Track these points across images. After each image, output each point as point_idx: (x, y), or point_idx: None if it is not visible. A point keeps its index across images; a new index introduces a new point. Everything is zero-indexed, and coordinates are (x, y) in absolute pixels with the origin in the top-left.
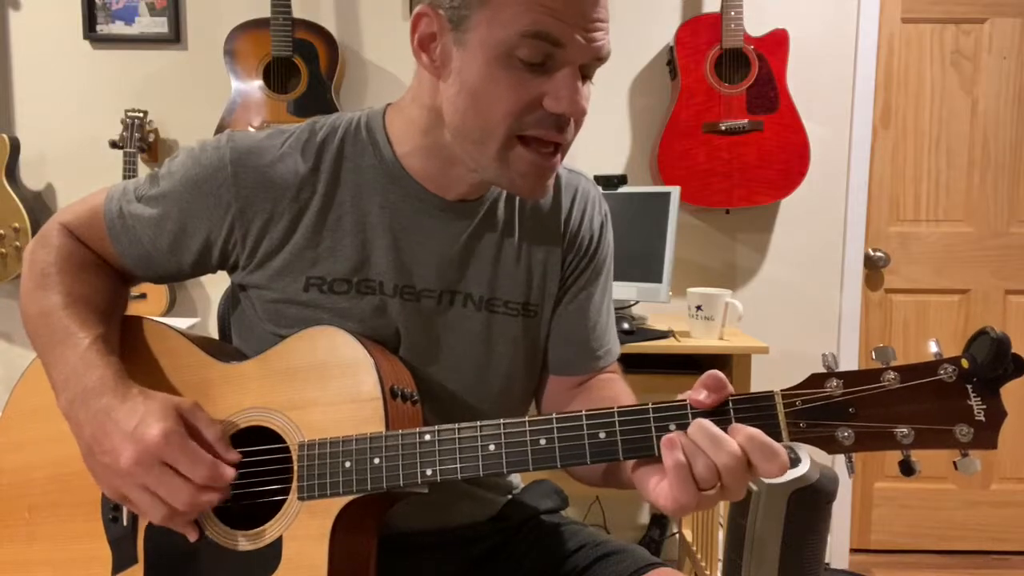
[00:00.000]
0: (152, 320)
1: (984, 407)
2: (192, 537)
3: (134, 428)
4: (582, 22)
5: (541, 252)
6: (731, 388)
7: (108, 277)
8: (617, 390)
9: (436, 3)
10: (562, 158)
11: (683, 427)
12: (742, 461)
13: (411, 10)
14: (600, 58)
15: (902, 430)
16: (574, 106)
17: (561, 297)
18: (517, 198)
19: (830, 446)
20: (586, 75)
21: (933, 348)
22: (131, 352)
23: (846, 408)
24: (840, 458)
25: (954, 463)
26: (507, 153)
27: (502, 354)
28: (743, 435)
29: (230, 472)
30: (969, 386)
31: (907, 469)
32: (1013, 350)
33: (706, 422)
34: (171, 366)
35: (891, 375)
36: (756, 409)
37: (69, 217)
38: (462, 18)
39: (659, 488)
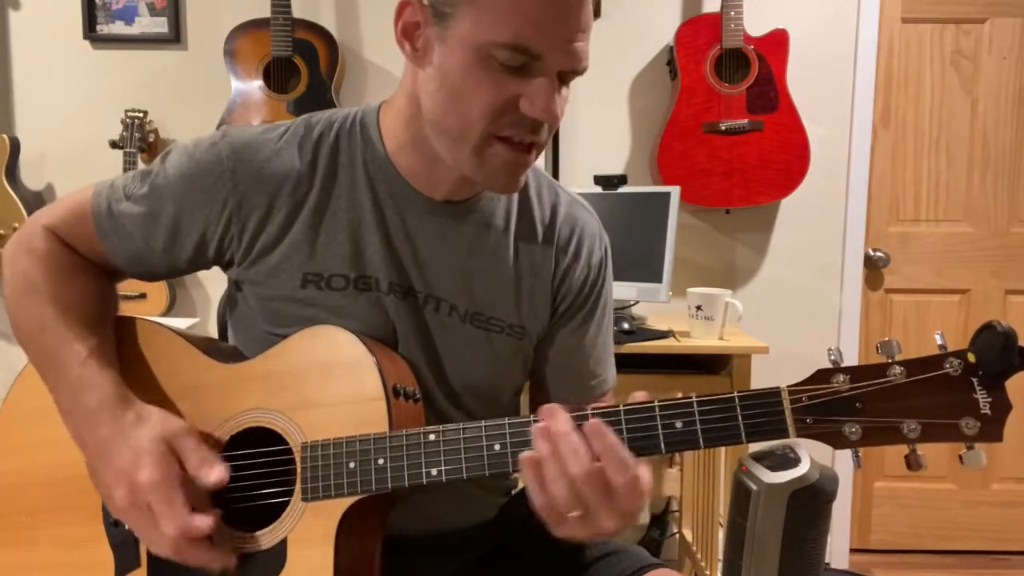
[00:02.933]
0: (147, 321)
1: (989, 400)
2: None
3: (127, 466)
4: (564, 34)
5: (532, 278)
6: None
7: (97, 280)
8: None
9: None
10: (536, 155)
11: (690, 424)
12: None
13: None
14: (577, 70)
15: (909, 424)
16: (548, 113)
17: (557, 330)
18: (515, 212)
19: (837, 442)
20: (563, 81)
21: (939, 341)
22: (128, 355)
23: (853, 403)
24: (841, 456)
25: (960, 456)
26: (484, 150)
27: (482, 366)
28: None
29: (203, 525)
30: (975, 379)
31: (914, 463)
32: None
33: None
34: (168, 369)
35: (897, 369)
36: (762, 405)
37: (52, 219)
38: (446, 14)
39: None
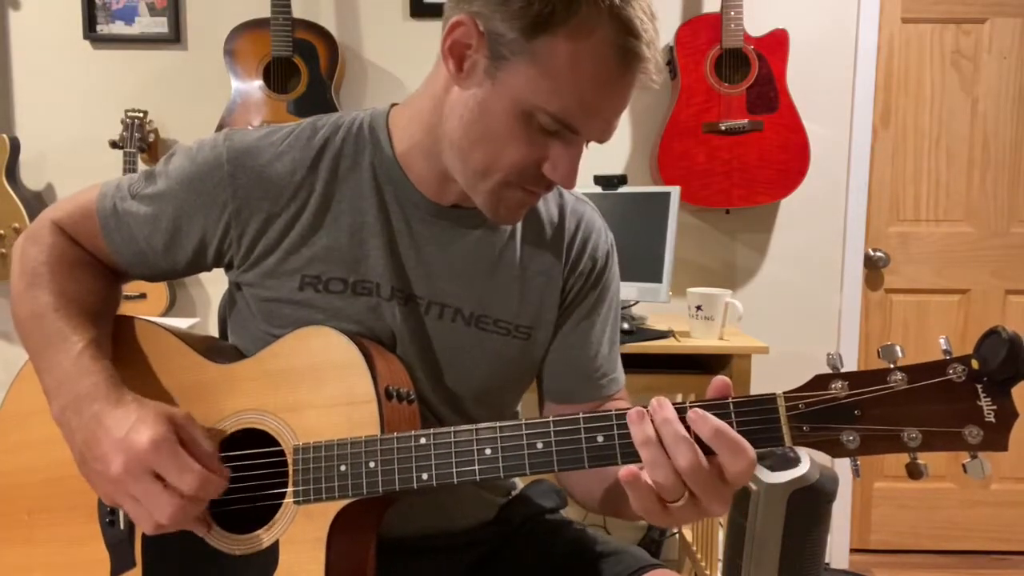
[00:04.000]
0: (144, 320)
1: (994, 408)
2: (200, 532)
3: (124, 435)
4: (608, 115)
5: (541, 277)
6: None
7: (101, 276)
8: None
9: (479, 16)
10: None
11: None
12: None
13: (412, 11)
14: (602, 141)
15: (909, 432)
16: (567, 180)
17: (561, 325)
18: (519, 222)
19: (835, 450)
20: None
21: (943, 345)
22: (123, 354)
23: (851, 410)
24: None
25: (963, 465)
26: (500, 191)
27: (486, 370)
28: (707, 427)
29: (220, 483)
30: (979, 386)
31: (915, 472)
32: None
33: (673, 417)
34: (164, 368)
35: (898, 375)
36: (757, 412)
37: (60, 214)
38: (503, 56)
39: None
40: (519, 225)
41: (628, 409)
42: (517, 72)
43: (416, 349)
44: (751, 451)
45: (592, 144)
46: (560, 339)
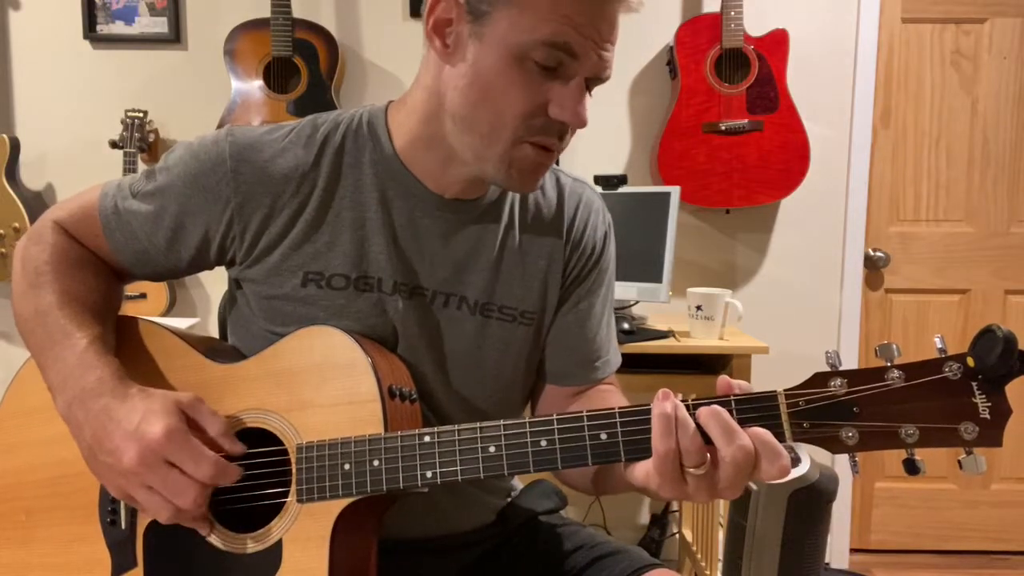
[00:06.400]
0: (147, 320)
1: (989, 405)
2: (203, 532)
3: (136, 427)
4: (598, 39)
5: (543, 260)
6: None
7: (103, 275)
8: (613, 402)
9: None
10: (557, 156)
11: None
12: (751, 457)
13: (411, 11)
14: (602, 78)
15: (907, 429)
16: (577, 117)
17: (560, 305)
18: (518, 205)
19: (834, 446)
20: (587, 88)
21: (938, 344)
22: (126, 353)
23: (850, 407)
24: (841, 457)
25: (959, 462)
26: (512, 151)
27: (494, 359)
28: (752, 433)
29: (235, 469)
30: (974, 384)
31: (912, 468)
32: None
33: (723, 411)
34: (166, 368)
35: (895, 373)
36: (759, 409)
37: (62, 214)
38: (483, 12)
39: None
40: (517, 212)
41: (630, 406)
42: (500, 21)
43: (423, 342)
44: (746, 437)
45: (592, 144)
46: (559, 319)
